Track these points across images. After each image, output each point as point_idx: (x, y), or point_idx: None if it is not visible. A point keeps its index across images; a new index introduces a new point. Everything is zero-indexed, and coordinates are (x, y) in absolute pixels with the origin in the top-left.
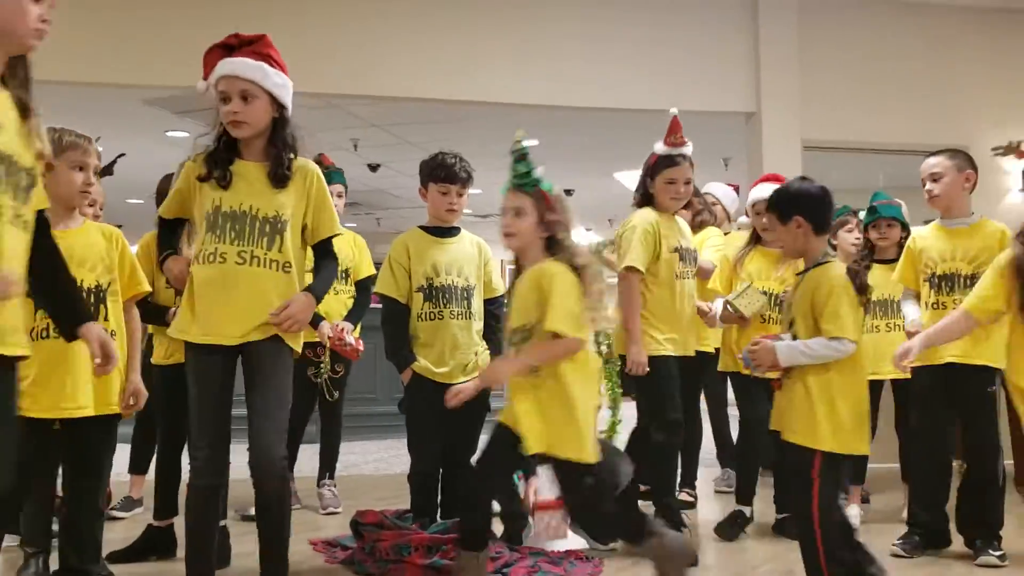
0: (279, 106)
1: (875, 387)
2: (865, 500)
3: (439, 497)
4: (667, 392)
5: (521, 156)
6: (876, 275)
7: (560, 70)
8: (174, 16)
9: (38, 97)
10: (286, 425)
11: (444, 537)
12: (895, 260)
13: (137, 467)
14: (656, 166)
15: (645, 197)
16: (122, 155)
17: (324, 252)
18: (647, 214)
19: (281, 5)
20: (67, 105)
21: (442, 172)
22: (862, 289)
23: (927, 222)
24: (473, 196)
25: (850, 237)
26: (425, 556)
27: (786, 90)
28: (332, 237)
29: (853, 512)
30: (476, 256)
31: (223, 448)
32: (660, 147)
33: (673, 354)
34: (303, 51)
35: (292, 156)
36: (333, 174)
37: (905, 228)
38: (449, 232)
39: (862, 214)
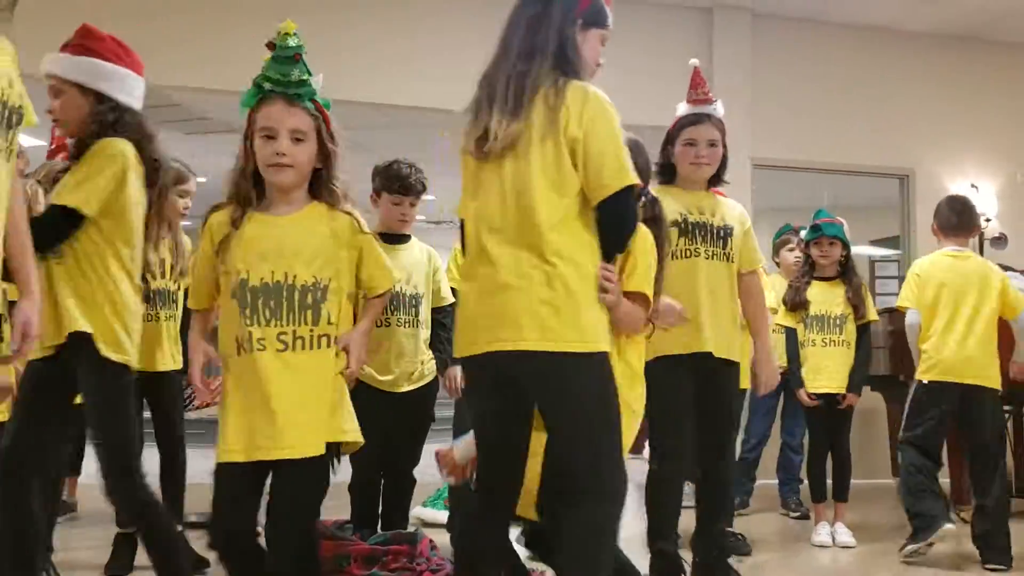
0: (96, 94)
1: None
2: (806, 516)
3: (380, 508)
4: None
5: (296, 56)
6: (814, 291)
7: None
8: (122, 12)
9: None
10: (120, 448)
11: (383, 548)
12: (834, 278)
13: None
14: (676, 128)
15: (664, 170)
16: None
17: None
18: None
19: (236, 8)
20: None
21: (397, 184)
22: (801, 304)
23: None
24: (425, 202)
25: (791, 256)
26: (364, 567)
27: (738, 109)
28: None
29: (824, 530)
30: (426, 264)
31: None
32: (682, 107)
33: (673, 352)
34: (253, 55)
35: (105, 136)
36: None
37: (846, 247)
38: (399, 239)
39: (803, 232)
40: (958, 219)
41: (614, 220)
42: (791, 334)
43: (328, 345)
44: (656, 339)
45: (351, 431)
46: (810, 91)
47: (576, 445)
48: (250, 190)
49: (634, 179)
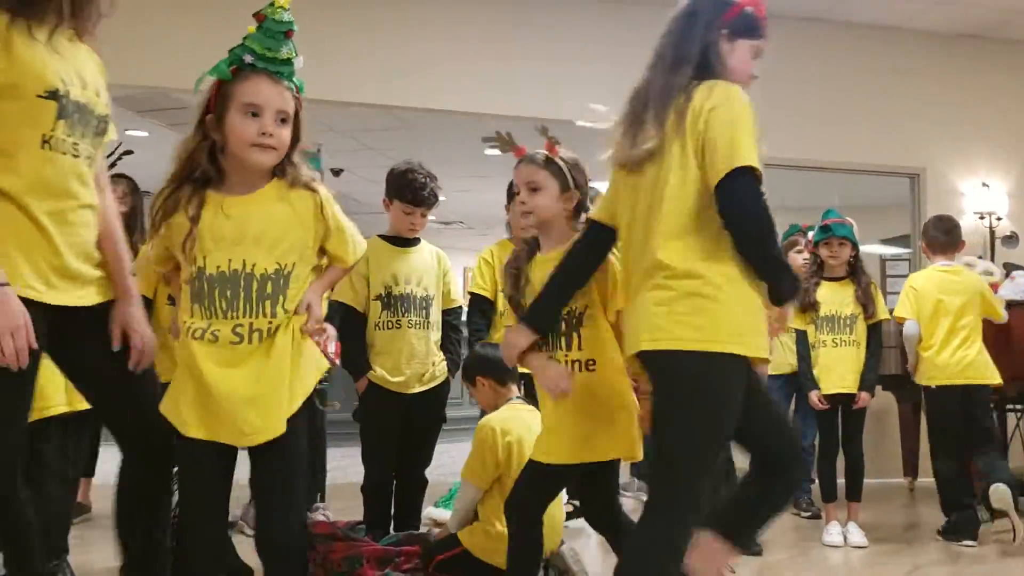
0: None
1: (829, 401)
2: (817, 516)
3: (392, 509)
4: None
5: (288, 33)
6: (824, 292)
7: (527, 81)
8: (136, 13)
9: None
10: None
11: (396, 549)
12: (844, 278)
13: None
14: None
15: None
16: (129, 152)
17: None
18: None
19: (248, 10)
20: None
21: (409, 194)
22: (811, 306)
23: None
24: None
25: (799, 257)
26: (377, 568)
27: None
28: None
29: (835, 530)
30: (436, 266)
31: None
32: None
33: None
34: None
35: None
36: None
37: (856, 247)
38: (409, 242)
39: (811, 233)
40: (946, 237)
41: (727, 207)
42: (801, 336)
43: (283, 333)
44: None
45: (314, 375)
46: (819, 90)
47: (661, 449)
48: (209, 169)
49: (747, 160)
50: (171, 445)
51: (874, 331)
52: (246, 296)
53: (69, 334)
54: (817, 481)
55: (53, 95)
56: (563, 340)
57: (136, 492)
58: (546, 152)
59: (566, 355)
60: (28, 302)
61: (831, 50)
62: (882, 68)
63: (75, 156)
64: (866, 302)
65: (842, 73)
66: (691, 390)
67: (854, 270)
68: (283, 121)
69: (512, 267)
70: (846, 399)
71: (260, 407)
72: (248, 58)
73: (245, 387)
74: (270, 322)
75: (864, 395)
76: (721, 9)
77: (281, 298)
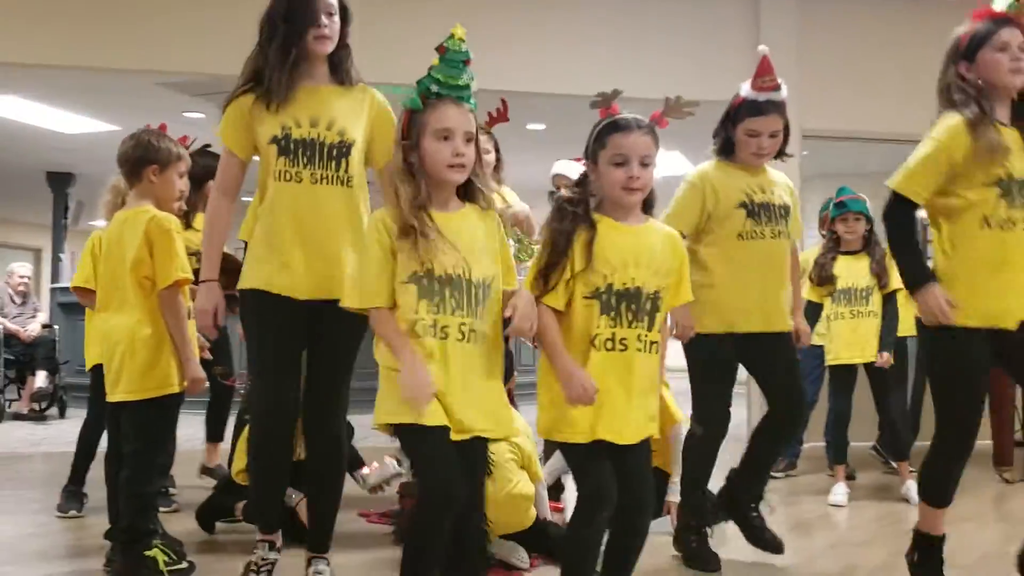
0: None
1: (846, 372)
2: (851, 477)
3: None
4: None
5: (466, 61)
6: (841, 266)
7: (552, 57)
8: (188, 9)
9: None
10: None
11: None
12: (859, 251)
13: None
14: (738, 112)
15: (725, 144)
16: (207, 146)
17: None
18: (704, 167)
19: None
20: (83, 86)
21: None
22: (828, 280)
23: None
24: None
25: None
26: None
27: (786, 79)
28: None
29: (840, 491)
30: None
31: None
32: (745, 89)
33: (726, 331)
34: None
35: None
36: None
37: (870, 221)
38: None
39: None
40: None
41: None
42: (816, 309)
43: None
44: (699, 316)
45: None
46: (859, 60)
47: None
48: (420, 189)
49: (895, 185)
50: None
51: (889, 300)
52: (468, 300)
53: (315, 323)
54: (851, 443)
55: (273, 141)
56: (647, 320)
57: None
58: (655, 122)
59: (647, 334)
60: (266, 294)
61: (870, 20)
62: (920, 37)
63: (298, 182)
64: (880, 273)
65: (881, 42)
66: None
67: (868, 243)
68: (468, 141)
69: (566, 232)
70: (869, 370)
71: (489, 406)
72: (434, 87)
73: (473, 384)
74: (482, 323)
75: (885, 355)
76: None
77: (487, 305)
